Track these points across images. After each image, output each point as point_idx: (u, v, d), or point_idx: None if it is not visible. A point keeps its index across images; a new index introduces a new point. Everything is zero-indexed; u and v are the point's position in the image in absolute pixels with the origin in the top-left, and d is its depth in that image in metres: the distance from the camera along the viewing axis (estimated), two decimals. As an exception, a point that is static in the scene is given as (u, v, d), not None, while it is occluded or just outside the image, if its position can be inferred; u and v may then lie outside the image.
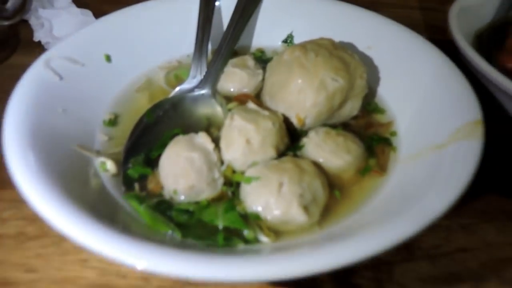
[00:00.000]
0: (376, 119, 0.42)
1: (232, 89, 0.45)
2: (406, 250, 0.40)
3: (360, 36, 0.47)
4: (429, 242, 0.41)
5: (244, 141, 0.35)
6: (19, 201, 0.30)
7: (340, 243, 0.25)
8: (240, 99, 0.43)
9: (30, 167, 0.29)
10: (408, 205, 0.27)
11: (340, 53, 0.40)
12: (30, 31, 0.60)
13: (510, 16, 0.53)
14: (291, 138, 0.39)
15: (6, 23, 0.54)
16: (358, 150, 0.37)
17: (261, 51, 0.52)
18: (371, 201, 0.34)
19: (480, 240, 0.41)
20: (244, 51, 0.52)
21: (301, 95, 0.38)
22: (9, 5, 0.54)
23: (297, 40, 0.51)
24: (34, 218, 0.29)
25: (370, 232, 0.26)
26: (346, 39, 0.47)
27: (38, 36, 0.59)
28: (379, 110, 0.43)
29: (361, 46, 0.47)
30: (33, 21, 0.61)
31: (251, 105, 0.38)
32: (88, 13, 0.66)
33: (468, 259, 0.40)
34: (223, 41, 0.46)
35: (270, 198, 0.32)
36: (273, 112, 0.38)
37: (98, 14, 0.50)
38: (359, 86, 0.40)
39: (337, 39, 0.48)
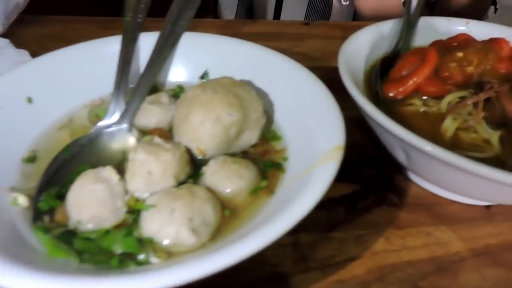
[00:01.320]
0: (272, 146, 0.47)
1: (147, 124, 0.49)
2: (303, 262, 0.45)
3: (263, 73, 0.53)
4: (324, 254, 0.46)
5: (145, 172, 0.40)
6: None
7: (208, 255, 0.30)
8: (154, 133, 0.48)
9: None
10: (267, 221, 0.32)
11: (237, 90, 0.46)
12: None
13: (400, 48, 0.60)
14: (194, 167, 0.44)
15: None
16: (250, 175, 0.42)
17: (180, 87, 0.57)
18: (257, 218, 0.38)
19: (368, 249, 0.47)
20: (164, 87, 0.57)
21: (200, 128, 0.43)
22: None
23: (212, 76, 0.57)
24: None
25: (233, 244, 0.30)
26: (251, 75, 0.53)
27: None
28: (276, 137, 0.48)
29: (264, 81, 0.53)
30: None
31: (156, 139, 0.43)
32: (25, 54, 0.70)
33: (356, 267, 0.45)
34: (141, 80, 0.51)
35: (163, 222, 0.36)
36: (176, 144, 0.43)
37: (41, 51, 0.54)
38: (254, 118, 0.45)
39: (244, 75, 0.54)
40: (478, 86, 0.47)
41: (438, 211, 0.51)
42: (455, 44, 0.54)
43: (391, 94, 0.52)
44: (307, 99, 0.47)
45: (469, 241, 0.48)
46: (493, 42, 0.53)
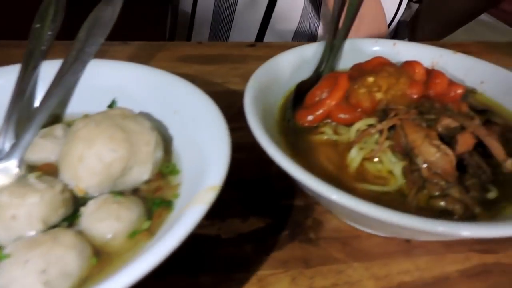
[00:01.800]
0: (168, 182, 0.44)
1: (37, 160, 0.46)
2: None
3: (169, 102, 0.50)
4: (223, 297, 0.42)
5: (9, 216, 0.36)
6: None
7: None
8: (42, 169, 0.45)
9: None
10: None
11: (126, 123, 0.43)
12: None
13: (323, 71, 0.57)
14: (76, 207, 0.40)
15: None
16: (131, 216, 0.39)
17: (87, 117, 0.53)
18: (136, 262, 0.35)
19: (273, 291, 0.43)
20: (65, 118, 0.54)
21: (80, 165, 0.40)
22: None
23: (121, 105, 0.54)
24: None
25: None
26: (158, 104, 0.51)
27: None
28: (175, 171, 0.45)
29: (169, 111, 0.50)
30: None
31: (31, 178, 0.40)
32: None
33: (254, 310, 0.41)
34: (36, 111, 0.48)
35: (14, 275, 0.33)
36: (52, 183, 0.39)
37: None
38: (145, 153, 0.42)
39: (151, 104, 0.51)
40: (383, 113, 0.45)
41: (355, 246, 0.48)
42: (370, 68, 0.51)
43: (302, 122, 0.50)
44: (205, 132, 0.44)
45: (382, 279, 0.45)
46: (407, 66, 0.50)
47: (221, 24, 0.99)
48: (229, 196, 0.50)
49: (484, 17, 1.83)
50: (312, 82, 0.54)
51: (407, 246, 0.49)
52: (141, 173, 0.43)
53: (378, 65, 0.51)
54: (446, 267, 0.47)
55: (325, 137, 0.48)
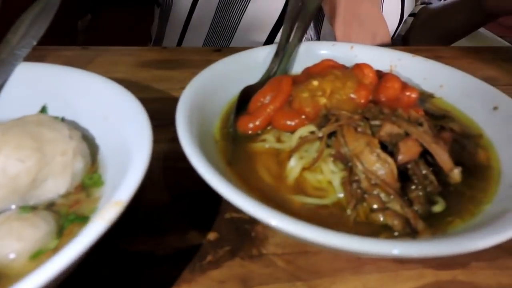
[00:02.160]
0: (89, 195, 0.40)
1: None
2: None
3: (100, 107, 0.46)
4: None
5: None
6: None
7: None
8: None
9: None
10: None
11: (41, 130, 0.39)
12: None
13: (274, 75, 0.54)
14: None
15: None
16: (35, 235, 0.35)
17: None
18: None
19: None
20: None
21: (-18, 178, 0.36)
22: None
23: (52, 112, 0.50)
24: None
25: None
26: (89, 109, 0.47)
27: None
28: (99, 183, 0.41)
29: (99, 117, 0.46)
30: None
31: None
32: None
33: None
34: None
35: None
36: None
37: None
38: (61, 163, 0.38)
39: (82, 109, 0.47)
40: (325, 119, 0.41)
41: (300, 263, 0.44)
42: (318, 71, 0.48)
43: (244, 129, 0.46)
44: (131, 140, 0.40)
45: (322, 300, 0.41)
46: (356, 69, 0.47)
47: (223, 30, 0.94)
48: (170, 209, 0.47)
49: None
50: (260, 87, 0.50)
51: (357, 263, 0.45)
52: (58, 185, 0.39)
53: (327, 68, 0.48)
54: (398, 285, 0.44)
55: (266, 145, 0.44)
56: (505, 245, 0.43)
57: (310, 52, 0.59)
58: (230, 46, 0.94)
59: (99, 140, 0.45)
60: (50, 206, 0.39)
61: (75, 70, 0.50)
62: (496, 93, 0.48)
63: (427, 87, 0.55)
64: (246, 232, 0.46)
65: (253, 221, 0.47)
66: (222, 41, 0.92)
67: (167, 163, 0.54)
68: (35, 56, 0.85)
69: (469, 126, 0.49)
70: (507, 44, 1.69)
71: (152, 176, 0.52)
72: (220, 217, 0.47)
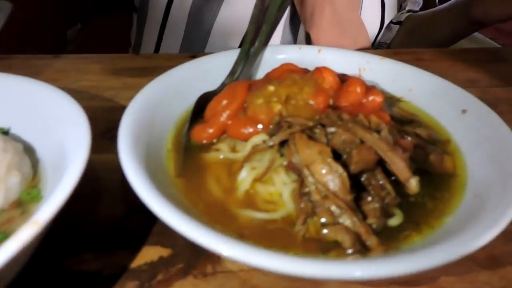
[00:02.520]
0: (25, 211, 0.38)
1: None
2: None
3: (45, 118, 0.44)
4: None
5: None
6: None
7: None
8: None
9: None
10: None
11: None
12: None
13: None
14: None
15: None
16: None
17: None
18: None
19: None
20: None
21: None
22: None
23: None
24: None
25: None
26: (32, 120, 0.44)
27: None
28: (38, 198, 0.39)
29: (43, 128, 0.43)
30: None
31: None
32: None
33: None
34: None
35: None
36: None
37: None
38: None
39: (25, 120, 0.45)
40: (277, 126, 0.39)
41: (255, 282, 0.40)
42: (277, 75, 0.46)
43: (199, 138, 0.43)
44: (70, 153, 0.37)
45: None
46: (316, 72, 0.45)
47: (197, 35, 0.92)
48: (124, 224, 0.45)
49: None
50: (218, 93, 0.48)
51: (314, 281, 0.42)
52: None
53: (286, 73, 0.45)
54: (359, 304, 0.41)
55: (221, 155, 0.41)
56: (477, 258, 0.40)
57: (276, 56, 0.56)
58: (205, 51, 0.92)
59: (40, 153, 0.43)
60: (-19, 223, 0.36)
61: (21, 79, 0.48)
62: (465, 96, 0.46)
63: (396, 90, 0.53)
64: (203, 248, 0.44)
65: None
66: (197, 47, 0.90)
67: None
68: (2, 65, 0.82)
69: (437, 131, 0.46)
70: (496, 45, 1.67)
71: (107, 189, 0.50)
72: (176, 233, 0.45)
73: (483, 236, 0.29)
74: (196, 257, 0.42)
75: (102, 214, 0.46)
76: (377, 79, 0.54)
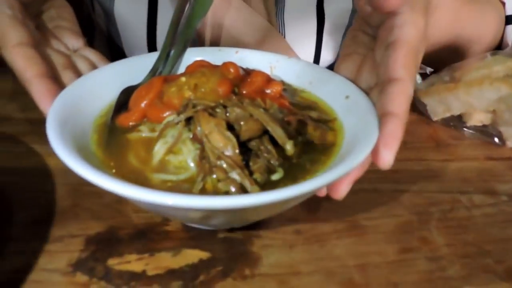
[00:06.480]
0: None
1: None
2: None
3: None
4: None
5: None
6: None
7: None
8: None
9: None
10: None
11: None
12: None
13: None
14: None
15: None
16: None
17: None
18: None
19: None
20: None
21: None
22: None
23: None
24: None
25: None
26: None
27: None
28: None
29: None
30: None
31: None
32: None
33: None
34: None
35: None
36: None
37: None
38: None
39: None
40: (186, 107, 0.47)
41: (293, 284, 0.43)
42: (190, 70, 0.54)
43: (124, 124, 0.51)
44: None
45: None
46: (223, 66, 0.54)
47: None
48: (162, 228, 0.48)
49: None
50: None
51: (350, 285, 0.44)
52: None
53: (197, 67, 0.54)
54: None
55: (142, 134, 0.49)
56: (497, 270, 0.45)
57: (195, 58, 0.64)
58: None
59: None
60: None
61: None
62: (348, 84, 0.56)
63: (299, 83, 0.62)
64: (239, 252, 0.46)
65: (246, 241, 0.48)
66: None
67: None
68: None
69: (328, 113, 0.56)
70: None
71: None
72: (213, 237, 0.48)
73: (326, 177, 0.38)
74: (234, 261, 0.45)
75: (139, 218, 0.50)
76: (284, 75, 0.63)
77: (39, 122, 0.45)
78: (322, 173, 0.43)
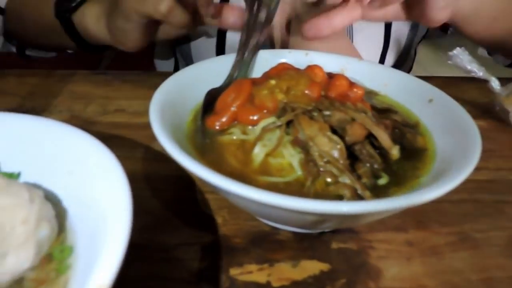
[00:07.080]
0: (56, 267, 0.35)
1: None
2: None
3: (63, 160, 0.41)
4: None
5: None
6: None
7: None
8: None
9: None
10: None
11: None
12: None
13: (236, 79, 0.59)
14: None
15: None
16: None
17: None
18: None
19: None
20: None
21: None
22: None
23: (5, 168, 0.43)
24: None
25: None
26: (48, 165, 0.41)
27: None
28: (67, 250, 0.36)
29: (62, 173, 0.40)
30: None
31: None
32: None
33: None
34: None
35: None
36: None
37: None
38: (23, 233, 0.34)
39: (40, 165, 0.42)
40: (283, 111, 0.47)
41: None
42: (275, 73, 0.54)
43: (213, 127, 0.51)
44: (104, 198, 0.35)
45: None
46: (308, 69, 0.54)
47: None
48: (274, 238, 0.47)
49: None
50: (223, 89, 0.55)
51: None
52: (21, 259, 0.33)
53: (282, 70, 0.54)
54: None
55: (234, 137, 0.49)
56: None
57: (269, 59, 0.64)
58: None
59: (65, 202, 0.39)
60: (19, 282, 0.34)
61: (26, 117, 0.43)
62: (431, 88, 0.56)
63: (373, 86, 0.62)
64: (358, 264, 0.45)
65: (361, 252, 0.46)
66: None
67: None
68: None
69: (408, 116, 0.56)
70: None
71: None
72: (327, 247, 0.47)
73: (445, 186, 0.37)
74: (355, 273, 0.44)
75: (248, 226, 0.49)
76: (357, 77, 0.63)
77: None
78: (426, 179, 0.43)
